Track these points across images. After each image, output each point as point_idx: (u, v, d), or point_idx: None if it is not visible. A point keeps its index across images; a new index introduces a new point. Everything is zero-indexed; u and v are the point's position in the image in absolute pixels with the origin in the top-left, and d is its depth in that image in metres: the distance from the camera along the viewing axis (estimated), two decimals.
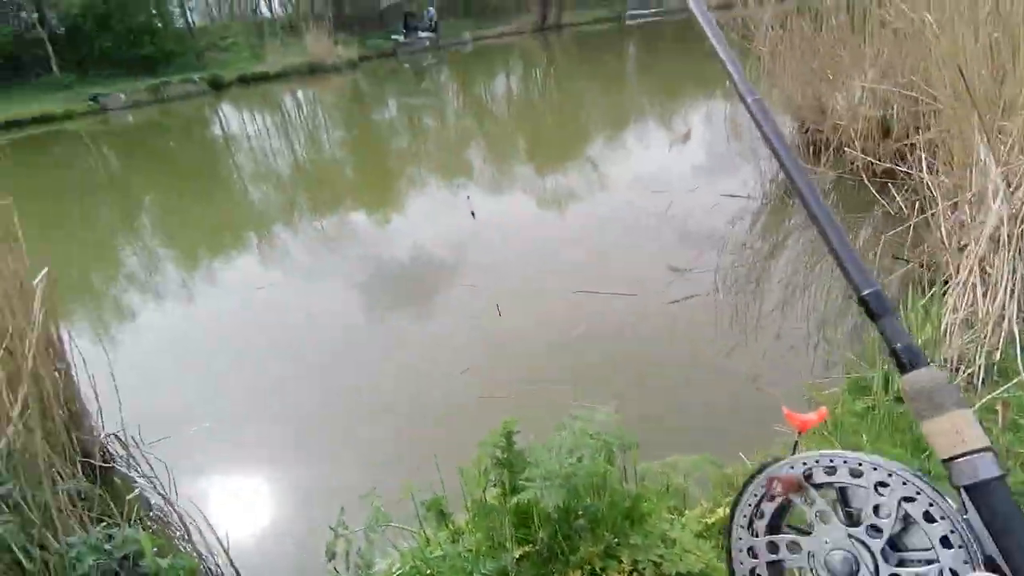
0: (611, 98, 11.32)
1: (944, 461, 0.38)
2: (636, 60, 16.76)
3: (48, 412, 1.96)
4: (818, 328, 3.13)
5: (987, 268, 2.47)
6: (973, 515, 0.37)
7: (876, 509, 0.40)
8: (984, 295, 2.37)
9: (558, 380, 2.88)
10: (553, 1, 25.76)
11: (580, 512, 1.41)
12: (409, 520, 1.66)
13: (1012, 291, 2.30)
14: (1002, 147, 2.66)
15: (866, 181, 4.11)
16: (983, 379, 2.14)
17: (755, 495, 0.45)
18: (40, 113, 14.30)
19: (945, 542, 0.38)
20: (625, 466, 1.58)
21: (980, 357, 2.15)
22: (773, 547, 0.44)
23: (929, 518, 0.38)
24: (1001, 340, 2.20)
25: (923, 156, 3.21)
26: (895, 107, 4.39)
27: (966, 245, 2.67)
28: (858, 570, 0.40)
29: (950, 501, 0.38)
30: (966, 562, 0.37)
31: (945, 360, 2.28)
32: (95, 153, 11.58)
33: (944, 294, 2.53)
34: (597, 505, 1.42)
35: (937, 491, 0.39)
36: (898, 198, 3.74)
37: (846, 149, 4.52)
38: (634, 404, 2.56)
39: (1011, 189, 2.57)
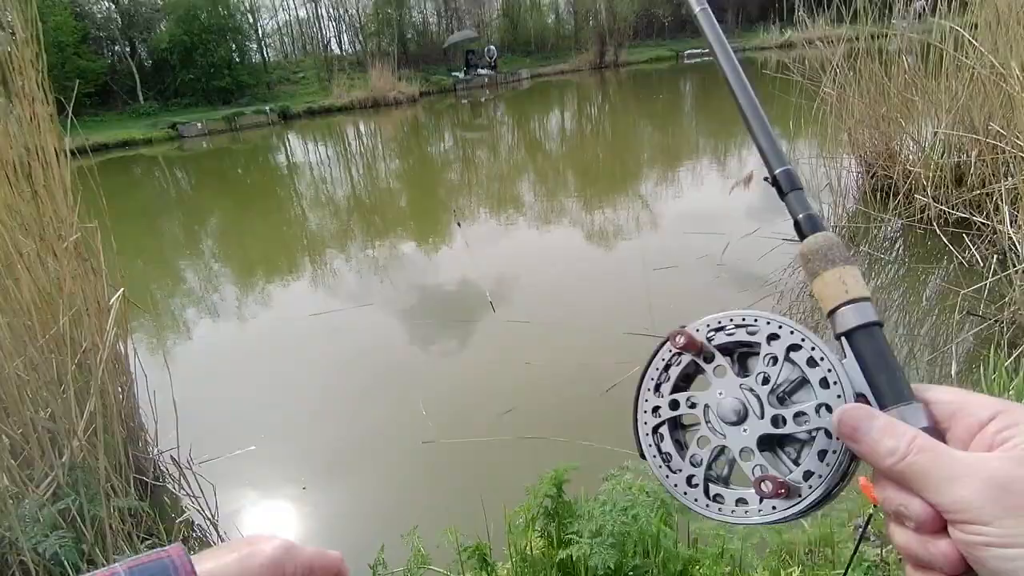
0: (665, 135, 11.28)
1: (830, 314, 0.41)
2: (692, 97, 16.72)
3: (109, 427, 2.03)
4: None
5: None
6: (850, 358, 0.40)
7: (766, 359, 0.43)
8: None
9: (603, 426, 2.80)
10: (611, 40, 26.18)
11: (629, 571, 1.34)
12: (448, 561, 1.62)
13: None
14: None
15: (937, 230, 3.90)
16: None
17: (663, 359, 0.47)
18: (124, 138, 15.40)
19: (824, 383, 0.40)
20: (677, 525, 1.50)
21: None
22: (674, 404, 0.46)
23: (812, 363, 0.41)
24: None
25: (1005, 207, 3.02)
26: (971, 154, 4.17)
27: None
28: (747, 415, 0.43)
29: (831, 353, 0.40)
30: (839, 396, 0.39)
31: None
32: (169, 176, 12.32)
33: None
34: (647, 565, 1.34)
35: (820, 339, 0.41)
36: (972, 249, 3.53)
37: (916, 196, 4.32)
38: None
39: None
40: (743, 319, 0.44)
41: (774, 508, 0.41)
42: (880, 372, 0.39)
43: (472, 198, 8.17)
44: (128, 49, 21.36)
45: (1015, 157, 3.50)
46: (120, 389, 2.39)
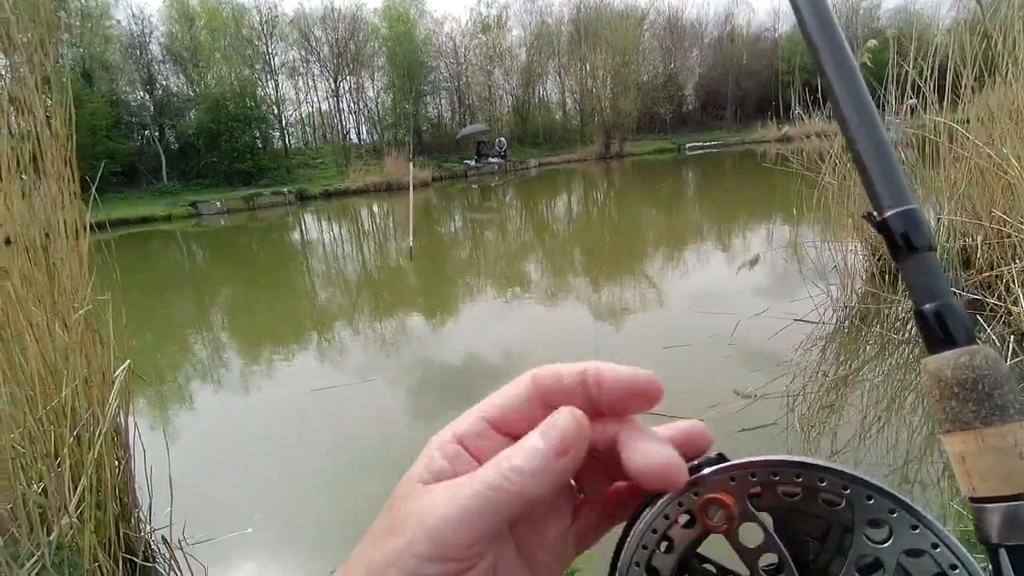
0: (670, 219, 11.55)
1: (978, 500, 0.24)
2: (695, 185, 17.26)
3: (102, 504, 1.95)
4: (902, 466, 2.82)
5: None
6: None
7: (861, 567, 0.26)
8: None
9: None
10: (615, 133, 27.48)
11: None
12: None
13: None
14: None
15: None
16: None
17: (665, 517, 0.29)
18: (145, 215, 15.94)
19: None
20: None
21: None
22: None
23: None
24: None
25: (1018, 289, 3.01)
26: (976, 238, 4.22)
27: None
28: None
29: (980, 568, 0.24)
30: None
31: None
32: (184, 250, 12.62)
33: None
34: None
35: (965, 549, 0.24)
36: (988, 330, 3.49)
37: None
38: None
39: None
40: (820, 480, 0.27)
41: None
42: None
43: (480, 275, 8.27)
44: (157, 133, 22.62)
45: (1021, 241, 3.54)
46: (117, 463, 2.31)
